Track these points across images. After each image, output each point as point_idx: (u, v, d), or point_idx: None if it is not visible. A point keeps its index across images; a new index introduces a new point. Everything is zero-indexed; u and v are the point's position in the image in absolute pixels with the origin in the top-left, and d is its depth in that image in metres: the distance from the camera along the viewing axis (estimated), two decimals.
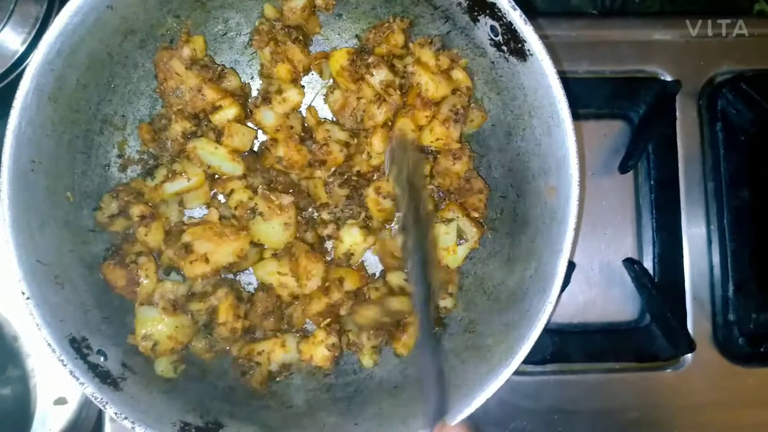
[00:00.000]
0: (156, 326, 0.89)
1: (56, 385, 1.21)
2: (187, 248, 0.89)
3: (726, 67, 1.13)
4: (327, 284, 0.93)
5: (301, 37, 0.97)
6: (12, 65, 1.06)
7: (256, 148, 1.02)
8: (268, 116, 0.96)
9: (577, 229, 0.81)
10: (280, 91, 0.96)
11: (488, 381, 0.81)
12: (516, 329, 0.83)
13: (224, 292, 0.92)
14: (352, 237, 0.97)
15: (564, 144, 0.81)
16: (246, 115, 0.99)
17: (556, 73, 0.80)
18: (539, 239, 0.87)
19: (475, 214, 0.96)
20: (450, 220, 0.94)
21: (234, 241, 0.91)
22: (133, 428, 0.79)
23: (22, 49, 1.06)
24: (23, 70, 0.99)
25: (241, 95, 0.99)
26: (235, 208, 0.95)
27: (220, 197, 0.99)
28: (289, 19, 0.96)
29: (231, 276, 1.00)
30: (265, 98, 0.96)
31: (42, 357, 1.21)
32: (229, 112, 0.95)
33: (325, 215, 0.99)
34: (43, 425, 1.21)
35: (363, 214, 0.98)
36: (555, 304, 0.82)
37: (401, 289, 0.97)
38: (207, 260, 0.89)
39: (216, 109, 0.94)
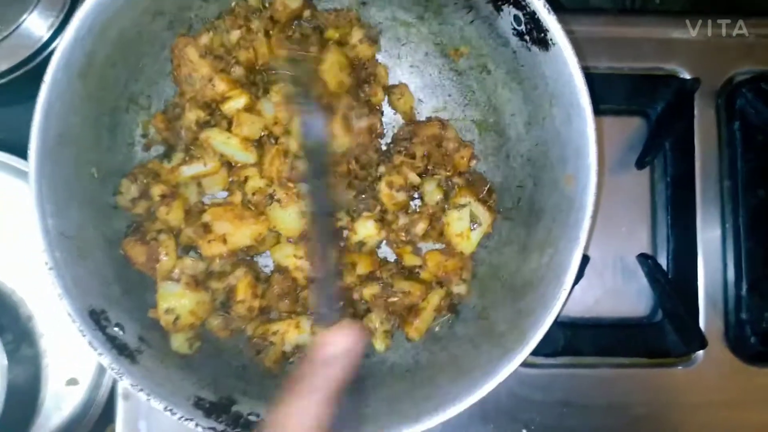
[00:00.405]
0: (179, 301, 0.90)
1: (68, 366, 1.22)
2: (206, 228, 0.91)
3: (746, 67, 1.13)
4: (340, 268, 0.94)
5: (271, 32, 0.97)
6: (36, 50, 1.08)
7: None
8: (267, 107, 0.97)
9: (593, 219, 0.82)
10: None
11: (501, 365, 0.81)
12: (530, 316, 0.84)
13: (243, 272, 0.93)
14: (366, 230, 0.98)
15: (584, 133, 0.81)
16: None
17: (578, 62, 0.81)
18: (556, 228, 0.87)
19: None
20: (462, 206, 0.95)
21: (253, 224, 0.92)
22: (148, 400, 0.80)
23: (47, 35, 1.08)
24: (47, 56, 1.00)
25: (246, 83, 0.99)
26: (253, 194, 0.95)
27: None
28: (278, 12, 0.96)
29: (248, 258, 1.00)
30: (266, 89, 0.98)
31: (55, 337, 1.23)
32: (239, 101, 0.95)
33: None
34: (55, 405, 1.22)
35: (378, 208, 0.99)
36: (568, 296, 0.83)
37: (411, 271, 0.98)
38: (225, 241, 0.91)
39: (226, 99, 0.95)
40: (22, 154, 1.08)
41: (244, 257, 0.98)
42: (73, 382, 1.22)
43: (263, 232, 0.93)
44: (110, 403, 1.11)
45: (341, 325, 0.64)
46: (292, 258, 0.96)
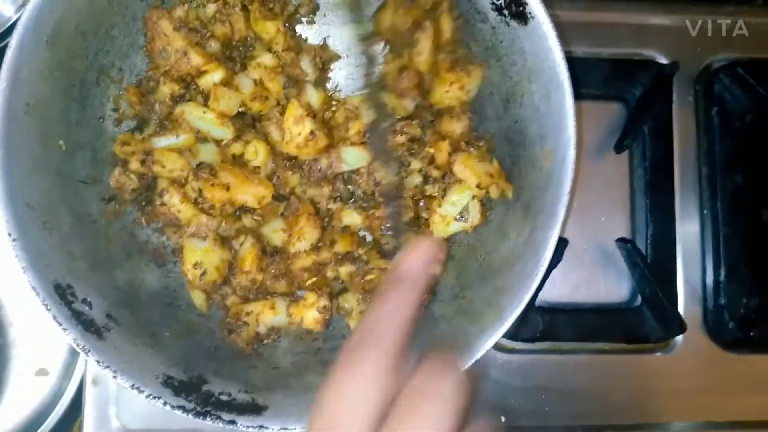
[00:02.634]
0: (206, 257, 0.91)
1: (38, 356, 1.20)
2: (212, 171, 0.90)
3: (723, 54, 1.14)
4: (319, 243, 0.93)
5: (249, 7, 0.96)
6: (4, 31, 1.08)
7: None
8: (245, 83, 0.96)
9: (571, 196, 0.81)
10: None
11: (478, 342, 0.80)
12: (507, 293, 0.83)
13: (251, 243, 0.93)
14: (351, 219, 0.97)
15: (563, 107, 0.81)
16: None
17: (557, 35, 0.80)
18: (534, 204, 0.86)
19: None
20: (464, 191, 0.93)
21: (257, 185, 0.92)
22: (115, 377, 0.78)
23: (15, 17, 1.08)
24: None
25: (222, 58, 0.98)
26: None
27: None
28: None
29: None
30: (243, 65, 0.97)
31: (25, 327, 1.20)
32: (215, 75, 0.94)
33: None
34: (23, 396, 1.20)
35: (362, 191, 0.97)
36: (546, 278, 0.82)
37: (386, 253, 0.96)
38: (228, 189, 0.90)
39: (202, 73, 0.94)
40: None
41: (252, 228, 0.97)
42: (42, 372, 1.19)
43: (267, 195, 0.92)
44: (80, 395, 1.08)
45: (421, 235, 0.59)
46: (280, 233, 0.95)
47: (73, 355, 1.18)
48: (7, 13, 1.08)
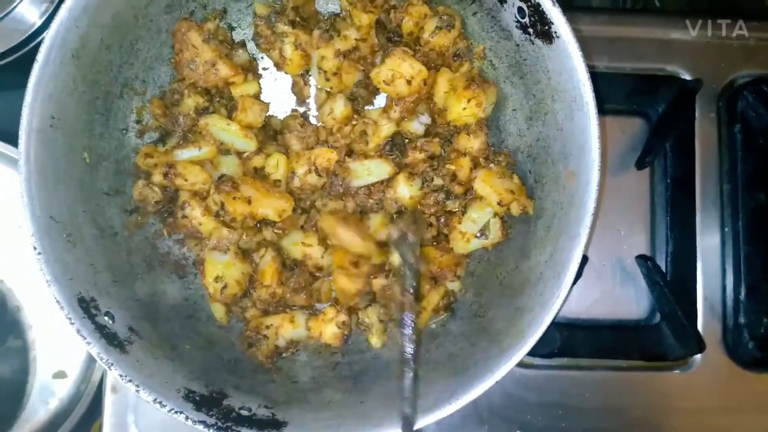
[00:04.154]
0: (227, 270, 0.92)
1: (56, 358, 1.20)
2: (233, 184, 0.91)
3: (747, 70, 1.12)
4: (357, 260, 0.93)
5: (299, 19, 0.97)
6: (28, 37, 1.07)
7: None
8: None
9: (594, 217, 0.80)
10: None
11: (498, 363, 0.80)
12: (528, 314, 0.83)
13: (271, 256, 0.93)
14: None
15: (587, 128, 0.80)
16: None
17: (582, 56, 0.80)
18: (556, 225, 0.86)
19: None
20: (484, 208, 0.93)
21: (278, 198, 0.92)
22: (137, 392, 0.78)
23: (39, 22, 1.07)
24: (40, 43, 1.00)
25: (250, 70, 0.99)
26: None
27: None
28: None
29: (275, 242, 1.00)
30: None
31: (43, 329, 1.21)
32: (251, 87, 0.96)
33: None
34: (42, 398, 1.21)
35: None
36: (566, 295, 0.81)
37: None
38: (249, 202, 0.90)
39: (232, 83, 0.95)
40: (13, 142, 1.07)
41: (273, 240, 0.97)
42: (60, 374, 1.20)
43: (287, 209, 0.93)
44: (98, 397, 1.09)
45: None
46: (300, 246, 0.95)
47: (92, 358, 1.19)
48: (31, 18, 1.08)
